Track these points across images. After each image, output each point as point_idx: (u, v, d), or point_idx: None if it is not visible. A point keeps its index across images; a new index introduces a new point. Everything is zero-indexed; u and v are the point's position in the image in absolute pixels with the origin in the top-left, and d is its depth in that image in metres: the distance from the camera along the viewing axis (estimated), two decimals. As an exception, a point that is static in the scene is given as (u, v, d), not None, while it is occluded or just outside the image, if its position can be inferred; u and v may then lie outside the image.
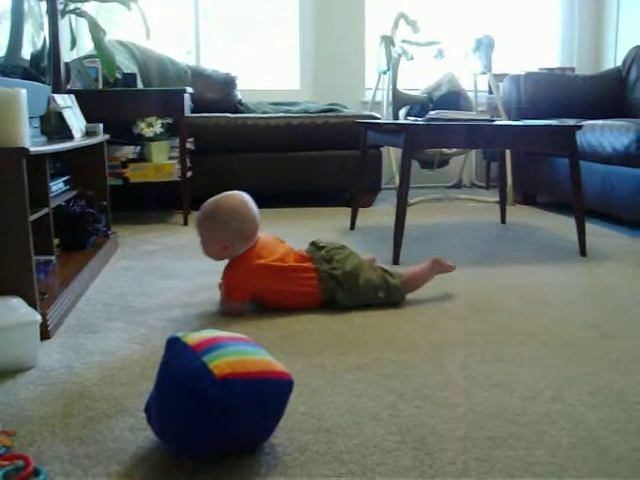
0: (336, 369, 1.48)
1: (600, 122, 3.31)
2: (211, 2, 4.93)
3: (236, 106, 4.38)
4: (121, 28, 4.74)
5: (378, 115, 4.10)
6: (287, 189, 3.96)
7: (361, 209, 3.37)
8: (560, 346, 1.64)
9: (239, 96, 4.46)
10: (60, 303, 1.82)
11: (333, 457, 1.10)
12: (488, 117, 2.95)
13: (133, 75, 3.56)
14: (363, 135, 3.14)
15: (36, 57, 2.48)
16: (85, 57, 3.62)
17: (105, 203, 2.73)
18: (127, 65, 3.83)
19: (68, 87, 3.18)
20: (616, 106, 4.33)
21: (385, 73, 4.54)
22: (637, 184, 3.00)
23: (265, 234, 1.98)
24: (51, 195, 2.13)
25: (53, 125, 2.46)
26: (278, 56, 5.08)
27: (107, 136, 2.84)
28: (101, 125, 2.77)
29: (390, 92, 4.46)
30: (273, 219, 3.53)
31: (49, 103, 2.45)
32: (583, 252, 2.63)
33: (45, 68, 2.59)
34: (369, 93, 4.91)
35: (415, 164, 4.26)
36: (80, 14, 3.12)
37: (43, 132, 2.40)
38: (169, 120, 3.48)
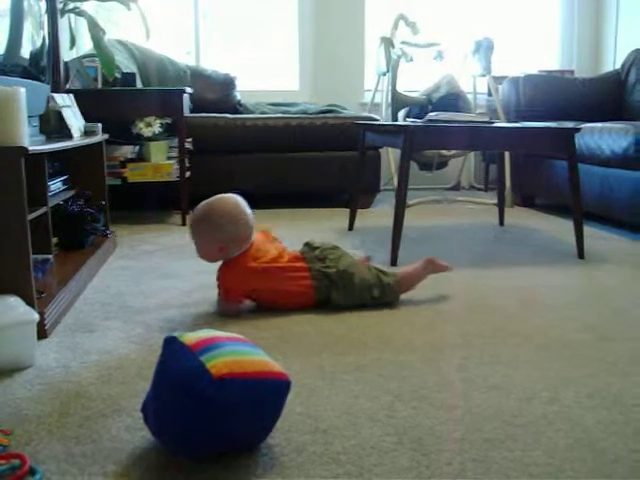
0: (334, 370, 1.48)
1: (599, 125, 3.31)
2: (211, 2, 4.93)
3: (235, 107, 4.38)
4: (120, 28, 4.74)
5: (377, 116, 4.10)
6: (286, 190, 3.96)
7: (360, 210, 3.37)
8: (557, 348, 1.64)
9: (238, 97, 4.46)
10: (58, 302, 1.82)
11: (330, 458, 1.10)
12: (487, 119, 2.95)
13: (132, 75, 3.56)
14: (362, 136, 3.14)
15: (35, 56, 2.47)
16: (84, 56, 3.62)
17: (104, 203, 2.73)
18: (126, 65, 3.82)
19: (67, 86, 3.17)
20: (615, 109, 4.33)
21: (384, 74, 4.54)
22: (635, 187, 3.00)
23: (258, 234, 1.98)
24: (49, 194, 2.13)
25: (52, 124, 2.46)
26: (277, 57, 5.09)
27: (106, 136, 2.84)
28: (100, 125, 2.77)
29: (389, 94, 4.46)
30: (271, 220, 3.52)
31: (48, 102, 2.45)
32: (581, 255, 2.63)
33: (44, 67, 2.59)
34: (368, 94, 4.91)
35: (414, 166, 4.26)
36: (79, 13, 3.12)
37: (42, 131, 2.40)
38: (168, 120, 3.48)
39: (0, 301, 1.55)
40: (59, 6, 2.85)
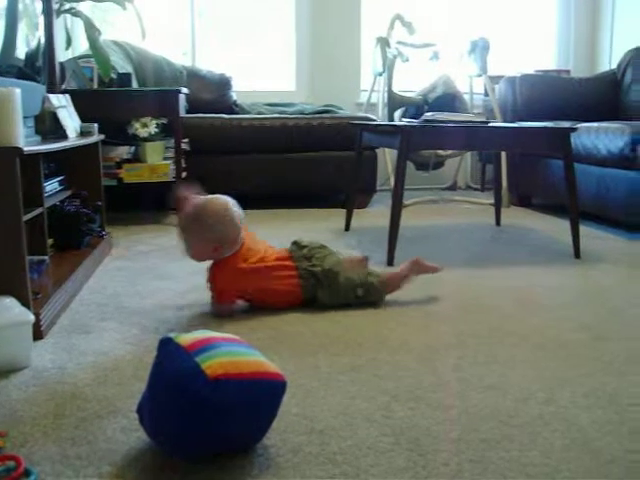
0: (329, 370, 1.48)
1: (595, 124, 3.31)
2: (207, 3, 4.93)
3: (231, 107, 4.37)
4: (116, 28, 4.73)
5: (373, 117, 4.10)
6: (282, 190, 3.96)
7: (356, 210, 3.37)
8: (554, 348, 1.64)
9: (234, 97, 4.46)
10: (53, 303, 1.81)
11: (326, 458, 1.10)
12: (484, 119, 2.95)
13: (128, 75, 3.56)
14: (358, 136, 3.14)
15: (31, 57, 2.47)
16: (80, 57, 3.61)
17: (99, 203, 2.72)
18: (122, 65, 3.82)
19: (63, 87, 3.16)
20: (611, 109, 4.34)
21: (380, 75, 4.55)
22: (631, 186, 3.00)
23: (247, 233, 1.97)
24: (45, 195, 2.12)
25: (47, 125, 2.45)
26: (274, 57, 5.08)
27: (102, 136, 2.83)
28: (96, 125, 2.77)
29: (385, 94, 4.46)
30: (268, 220, 3.52)
31: (44, 103, 2.45)
32: (577, 254, 2.63)
33: (40, 68, 2.58)
34: (364, 95, 4.91)
35: (410, 166, 4.26)
36: (75, 14, 3.11)
37: (37, 132, 2.39)
38: (164, 120, 3.47)
39: (-5, 302, 1.55)
40: (55, 6, 2.85)
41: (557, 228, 3.29)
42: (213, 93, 4.37)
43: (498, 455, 1.11)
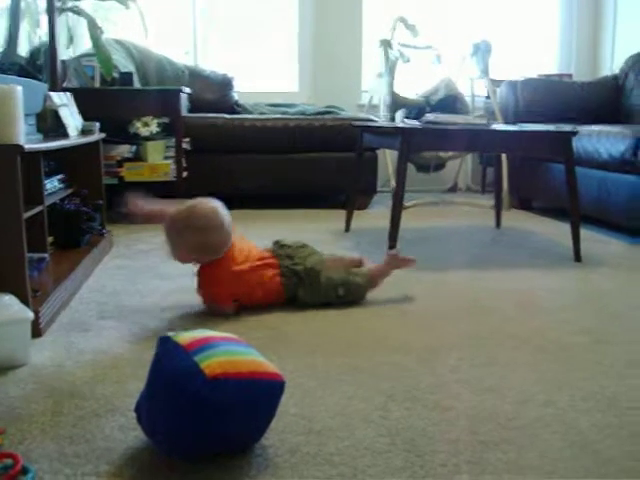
0: (327, 370, 1.48)
1: (596, 128, 3.31)
2: (210, 2, 4.93)
3: (233, 107, 4.38)
4: (119, 27, 4.73)
5: (375, 118, 4.10)
6: (283, 190, 3.95)
7: (357, 211, 3.37)
8: (554, 351, 1.63)
9: (236, 97, 4.46)
10: (53, 301, 1.81)
11: (324, 459, 1.10)
12: (485, 122, 2.95)
13: (130, 74, 3.56)
14: (360, 137, 3.14)
15: (33, 55, 2.48)
16: (82, 55, 3.61)
17: (100, 202, 2.72)
18: (124, 64, 3.82)
19: (65, 85, 3.17)
20: (613, 112, 4.33)
21: (383, 76, 4.55)
22: (633, 190, 3.00)
23: (234, 236, 1.96)
24: (46, 193, 2.13)
25: (49, 123, 2.45)
26: (276, 58, 5.08)
27: (103, 135, 2.83)
28: (97, 124, 2.77)
29: (387, 95, 4.46)
30: (268, 220, 3.52)
31: (45, 101, 2.45)
32: (578, 258, 2.62)
33: (42, 66, 2.59)
34: (366, 96, 4.91)
35: (411, 167, 4.26)
36: (78, 12, 3.11)
37: (39, 130, 2.39)
38: (165, 120, 3.47)
39: (-6, 299, 1.55)
40: (57, 5, 2.85)
41: (557, 231, 3.29)
42: (215, 93, 4.37)
43: (496, 457, 1.11)
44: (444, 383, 1.42)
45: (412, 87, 4.71)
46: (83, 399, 1.32)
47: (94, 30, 3.08)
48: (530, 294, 2.17)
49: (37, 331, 1.64)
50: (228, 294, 1.89)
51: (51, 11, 2.73)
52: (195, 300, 2.01)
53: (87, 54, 3.57)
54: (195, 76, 4.37)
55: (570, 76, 5.00)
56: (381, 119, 4.52)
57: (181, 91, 3.47)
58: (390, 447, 1.14)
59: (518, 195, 4.14)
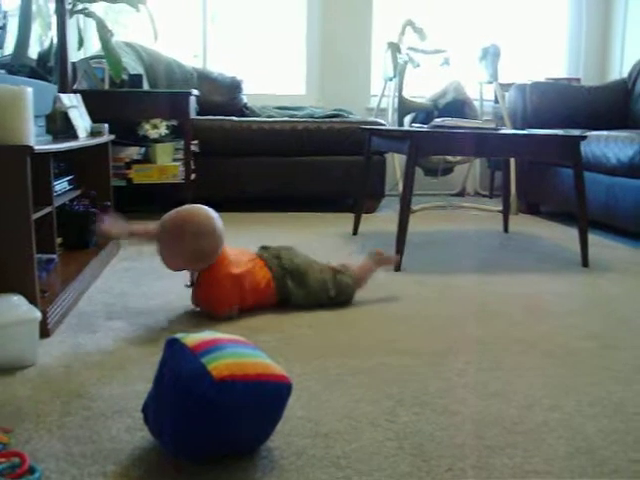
0: (335, 373, 1.48)
1: (605, 133, 3.30)
2: (219, 6, 4.95)
3: (241, 110, 4.39)
4: (129, 30, 4.75)
5: (383, 122, 4.10)
6: (291, 194, 3.96)
7: (364, 215, 3.37)
8: (561, 355, 1.63)
9: (245, 100, 4.47)
10: (61, 302, 1.82)
11: (330, 462, 1.10)
12: (493, 126, 2.95)
13: (139, 76, 3.57)
14: (367, 141, 3.14)
15: (43, 56, 2.49)
16: (92, 57, 3.63)
17: (108, 203, 2.73)
18: (134, 66, 3.84)
19: (74, 87, 3.18)
20: (621, 117, 4.32)
21: (391, 80, 4.55)
22: (641, 196, 2.99)
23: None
24: (55, 194, 2.13)
25: (58, 124, 2.47)
26: (285, 61, 5.09)
27: (112, 136, 2.84)
28: (106, 125, 2.78)
29: (396, 99, 4.46)
30: (275, 224, 3.53)
31: (55, 102, 2.46)
32: (585, 263, 2.62)
33: (52, 67, 2.60)
34: (375, 100, 4.91)
35: (419, 171, 4.26)
36: (88, 14, 3.13)
37: (48, 131, 2.40)
38: (174, 122, 3.48)
39: (3, 299, 1.55)
40: (68, 7, 2.86)
41: (565, 236, 3.28)
42: (224, 96, 4.39)
43: (502, 461, 1.11)
44: (451, 387, 1.42)
45: (420, 90, 4.71)
46: (90, 400, 1.32)
47: (104, 32, 3.10)
48: (537, 299, 2.16)
49: (45, 331, 1.65)
50: (231, 296, 1.89)
51: (61, 14, 2.75)
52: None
53: (97, 56, 3.58)
54: (204, 79, 4.38)
55: (579, 80, 5.00)
56: (389, 123, 4.52)
57: (190, 94, 3.48)
58: (397, 451, 1.14)
59: (526, 200, 4.14)
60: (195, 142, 3.63)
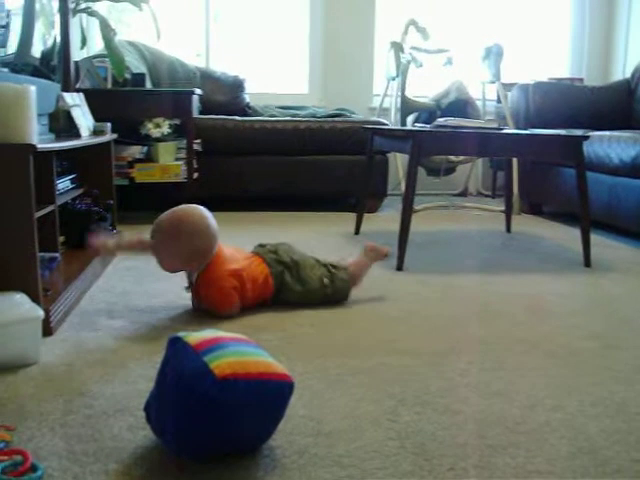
0: (337, 372, 1.48)
1: (607, 133, 3.30)
2: (222, 5, 4.95)
3: (244, 109, 4.39)
4: (132, 29, 4.75)
5: (386, 121, 4.10)
6: (293, 193, 3.96)
7: (366, 214, 3.37)
8: (563, 356, 1.63)
9: (247, 99, 4.47)
10: (63, 300, 1.82)
11: (332, 461, 1.10)
12: (496, 126, 2.95)
13: (142, 75, 3.57)
14: (370, 140, 3.14)
15: (46, 55, 2.49)
16: (95, 56, 3.63)
17: (111, 202, 2.74)
18: (136, 66, 3.84)
19: (77, 86, 3.18)
20: (624, 118, 4.32)
21: (394, 79, 4.55)
22: (644, 196, 2.99)
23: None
24: (57, 193, 2.13)
25: (61, 123, 2.47)
26: (287, 60, 5.10)
27: (114, 135, 2.85)
28: (109, 124, 2.78)
29: (398, 98, 4.46)
30: (277, 223, 3.53)
31: (58, 101, 2.46)
32: (588, 263, 2.62)
33: (55, 66, 2.60)
34: (377, 99, 4.91)
35: (421, 171, 4.26)
36: (91, 13, 3.13)
37: (51, 130, 2.41)
38: (177, 121, 3.48)
39: (6, 298, 1.56)
40: (71, 6, 2.86)
41: (567, 236, 3.28)
42: (226, 95, 4.39)
43: (504, 461, 1.11)
44: (453, 387, 1.42)
45: (423, 90, 4.71)
46: (92, 398, 1.32)
47: (107, 31, 3.10)
48: (540, 299, 2.16)
49: (48, 330, 1.65)
50: (231, 293, 1.88)
51: (65, 12, 2.75)
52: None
53: (100, 55, 3.58)
54: (207, 78, 4.39)
55: (581, 80, 4.99)
56: (392, 123, 4.52)
57: (193, 93, 3.48)
58: (399, 450, 1.14)
59: (528, 200, 4.13)
60: (198, 141, 3.63)
